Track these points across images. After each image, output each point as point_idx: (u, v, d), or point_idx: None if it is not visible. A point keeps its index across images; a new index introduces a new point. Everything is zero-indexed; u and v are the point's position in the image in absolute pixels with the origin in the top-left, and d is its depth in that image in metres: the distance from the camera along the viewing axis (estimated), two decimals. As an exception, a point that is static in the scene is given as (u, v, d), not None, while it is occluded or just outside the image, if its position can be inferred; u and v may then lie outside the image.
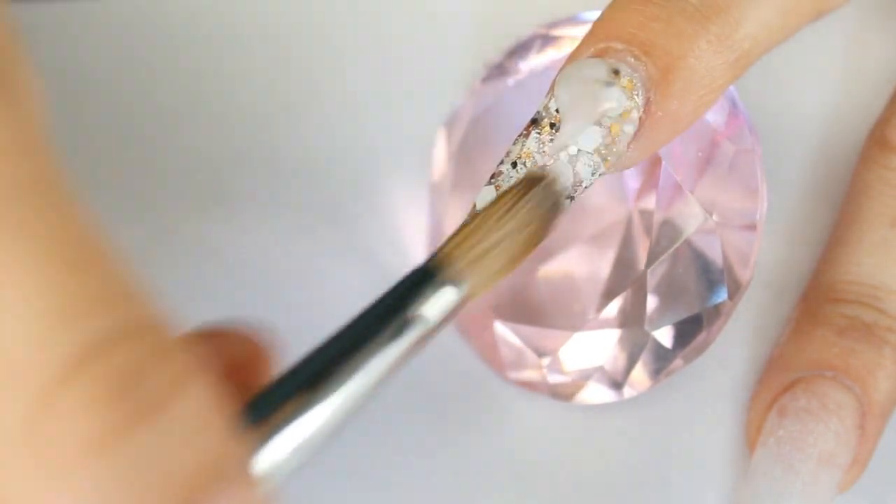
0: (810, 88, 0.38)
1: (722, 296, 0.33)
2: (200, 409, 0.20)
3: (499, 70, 0.35)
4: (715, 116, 0.33)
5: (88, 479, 0.19)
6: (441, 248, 0.27)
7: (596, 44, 0.29)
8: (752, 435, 0.35)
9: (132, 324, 0.20)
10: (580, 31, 0.34)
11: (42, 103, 0.21)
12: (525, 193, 0.28)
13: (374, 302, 0.26)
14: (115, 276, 0.20)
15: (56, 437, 0.19)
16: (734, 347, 0.37)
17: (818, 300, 0.36)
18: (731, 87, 0.34)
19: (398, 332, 0.25)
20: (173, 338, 0.21)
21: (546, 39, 0.35)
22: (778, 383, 0.35)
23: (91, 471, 0.19)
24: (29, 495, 0.19)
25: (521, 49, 0.35)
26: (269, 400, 0.24)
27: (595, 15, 0.34)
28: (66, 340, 0.19)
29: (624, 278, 0.33)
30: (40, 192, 0.20)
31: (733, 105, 0.33)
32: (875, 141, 0.36)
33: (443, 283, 0.26)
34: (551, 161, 0.29)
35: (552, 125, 0.29)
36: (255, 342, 0.27)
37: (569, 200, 0.29)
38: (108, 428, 0.19)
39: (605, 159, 0.29)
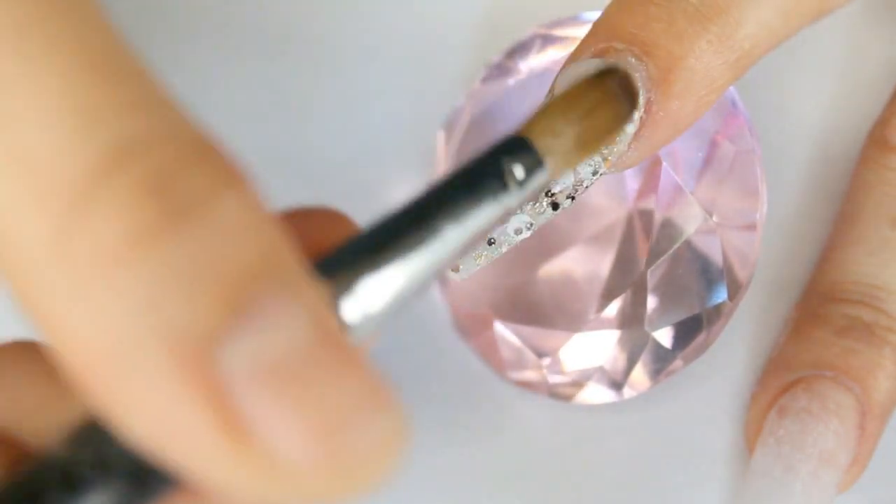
0: (810, 88, 0.38)
1: (722, 296, 0.33)
2: (244, 209, 0.19)
3: (499, 70, 0.35)
4: (715, 117, 0.33)
5: (120, 286, 0.18)
6: (524, 126, 0.26)
7: (596, 44, 0.29)
8: (751, 435, 0.35)
9: (166, 127, 0.18)
10: (581, 31, 0.34)
11: None
12: (599, 81, 0.28)
13: (462, 168, 0.24)
14: (147, 83, 0.19)
15: (86, 244, 0.18)
16: (734, 348, 0.37)
17: (818, 300, 0.36)
18: (732, 87, 0.34)
19: (491, 195, 0.23)
20: (213, 145, 0.19)
21: (546, 39, 0.35)
22: (778, 383, 0.35)
23: (123, 277, 0.18)
24: (59, 309, 0.18)
25: (521, 49, 0.35)
26: (350, 252, 0.22)
27: (596, 15, 0.34)
28: (96, 142, 0.18)
29: (624, 278, 0.33)
30: (69, 3, 0.18)
31: (733, 105, 0.33)
32: (875, 141, 0.36)
33: (533, 159, 0.25)
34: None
35: None
36: (341, 221, 0.25)
37: (570, 200, 0.29)
38: (142, 229, 0.18)
39: (605, 159, 0.29)
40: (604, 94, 0.27)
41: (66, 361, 0.18)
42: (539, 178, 0.24)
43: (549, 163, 0.25)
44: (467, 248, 0.23)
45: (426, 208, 0.23)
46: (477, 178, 0.24)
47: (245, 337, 0.18)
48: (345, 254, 0.22)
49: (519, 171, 0.24)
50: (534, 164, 0.24)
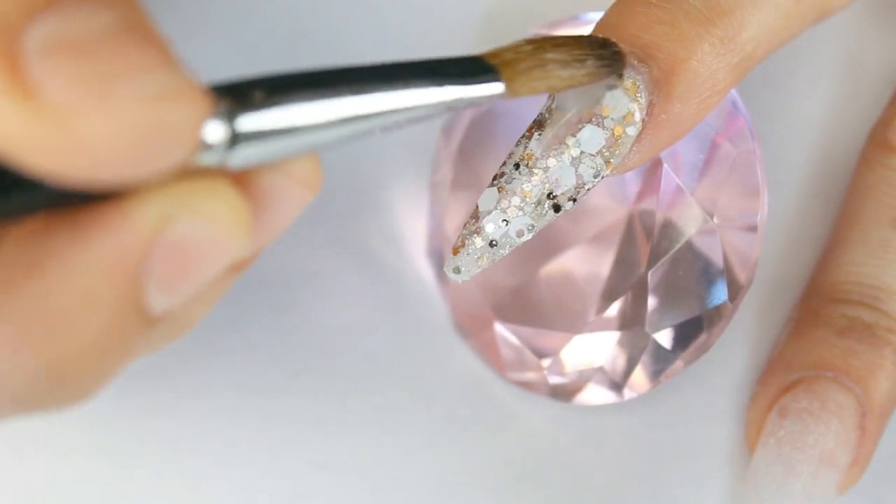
0: (811, 89, 0.38)
1: (722, 298, 0.33)
2: None
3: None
4: (716, 118, 0.33)
5: None
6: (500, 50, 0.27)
7: (599, 46, 0.29)
8: (752, 435, 0.35)
9: None
10: (581, 33, 0.34)
11: None
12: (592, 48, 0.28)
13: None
14: None
15: None
16: (734, 348, 0.37)
17: (819, 300, 0.36)
18: (732, 89, 0.33)
19: (430, 80, 0.25)
20: None
21: (547, 40, 0.35)
22: (778, 384, 0.35)
23: None
24: None
25: (521, 49, 0.35)
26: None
27: (596, 16, 0.34)
28: None
29: (624, 279, 0.33)
30: None
31: (734, 106, 0.33)
32: (876, 141, 0.36)
33: (486, 69, 0.26)
34: (554, 162, 0.29)
35: None
36: None
37: (572, 203, 0.29)
38: None
39: (607, 161, 0.29)
40: (590, 56, 0.28)
41: None
42: (485, 89, 0.26)
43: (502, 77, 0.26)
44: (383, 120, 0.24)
45: (362, 71, 0.25)
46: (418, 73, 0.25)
47: (46, 22, 0.20)
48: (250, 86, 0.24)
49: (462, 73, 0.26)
50: (481, 73, 0.26)
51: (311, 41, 0.40)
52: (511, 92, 0.26)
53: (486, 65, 0.26)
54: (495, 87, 0.26)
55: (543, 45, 0.27)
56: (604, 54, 0.28)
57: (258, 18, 0.39)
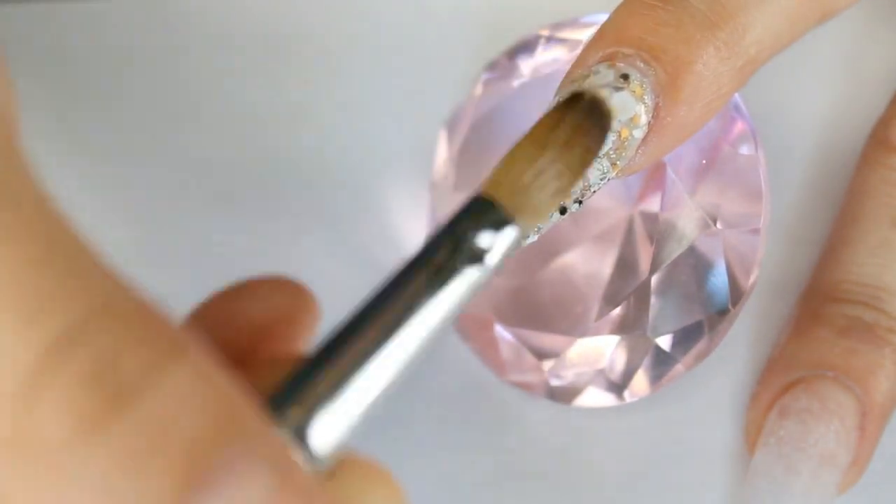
0: (812, 89, 0.38)
1: (724, 303, 0.33)
2: (191, 377, 0.19)
3: (502, 71, 0.35)
4: (718, 121, 0.33)
5: (74, 469, 0.19)
6: (486, 183, 0.24)
7: (605, 48, 0.29)
8: (752, 435, 0.35)
9: (104, 308, 0.19)
10: (583, 34, 0.34)
11: (9, 101, 0.20)
12: (566, 112, 0.26)
13: (420, 254, 0.22)
14: (87, 261, 0.19)
15: (37, 432, 0.18)
16: (734, 348, 0.37)
17: (819, 300, 0.36)
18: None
19: (446, 280, 0.22)
20: (154, 316, 0.19)
21: (549, 41, 0.35)
22: (778, 383, 0.35)
23: (76, 466, 0.19)
24: (20, 494, 0.19)
25: (523, 50, 0.35)
26: (306, 377, 0.21)
27: (598, 18, 0.34)
28: (39, 334, 0.19)
29: (626, 282, 0.33)
30: (4, 188, 0.19)
31: (736, 110, 0.33)
32: (876, 141, 0.36)
33: (500, 224, 0.22)
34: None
35: None
36: (296, 291, 0.25)
37: (577, 205, 0.29)
38: (88, 417, 0.18)
39: (614, 164, 0.29)
40: (572, 129, 0.26)
41: None
42: (508, 238, 0.22)
43: (520, 222, 0.23)
44: (434, 339, 0.21)
45: (385, 311, 0.21)
46: (439, 262, 0.22)
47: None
48: (301, 380, 0.21)
49: (486, 240, 0.22)
50: (502, 225, 0.22)
51: (308, 42, 0.39)
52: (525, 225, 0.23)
53: (493, 213, 0.23)
54: (510, 232, 0.22)
55: (533, 162, 0.24)
56: (580, 108, 0.26)
57: (250, 19, 0.39)
